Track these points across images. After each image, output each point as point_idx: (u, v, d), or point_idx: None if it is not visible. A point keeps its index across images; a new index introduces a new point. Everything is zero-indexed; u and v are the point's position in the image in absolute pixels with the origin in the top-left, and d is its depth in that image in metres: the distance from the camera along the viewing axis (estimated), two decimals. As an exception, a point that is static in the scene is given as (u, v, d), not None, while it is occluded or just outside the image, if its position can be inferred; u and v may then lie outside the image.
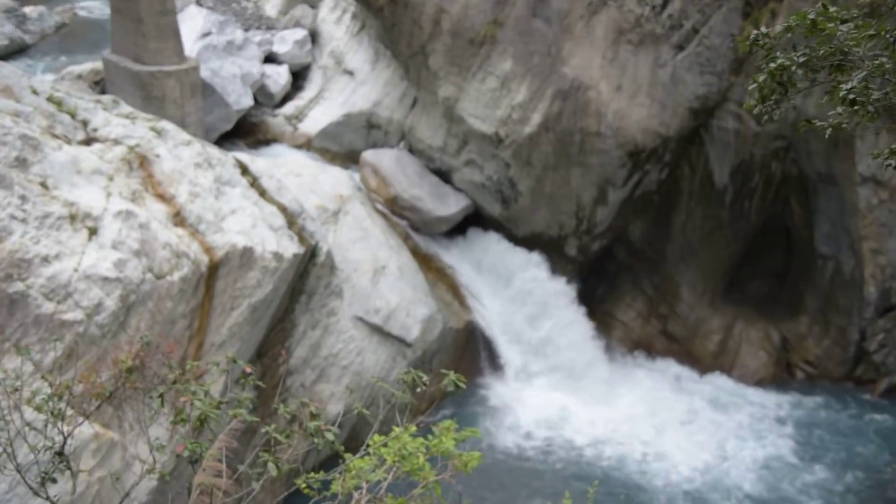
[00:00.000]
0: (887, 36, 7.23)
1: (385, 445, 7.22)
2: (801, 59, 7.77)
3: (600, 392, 25.03)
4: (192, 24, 30.15)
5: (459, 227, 27.06)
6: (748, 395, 25.57)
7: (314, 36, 33.00)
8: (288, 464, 6.76)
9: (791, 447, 23.45)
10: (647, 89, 23.87)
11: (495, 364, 25.68)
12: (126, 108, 19.38)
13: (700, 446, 23.27)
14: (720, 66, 23.56)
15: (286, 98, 31.54)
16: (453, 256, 26.87)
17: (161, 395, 7.09)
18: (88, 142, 17.32)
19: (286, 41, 32.09)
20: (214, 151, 19.46)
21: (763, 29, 8.03)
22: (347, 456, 7.27)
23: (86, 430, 12.61)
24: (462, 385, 7.09)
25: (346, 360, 21.61)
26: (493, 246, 26.84)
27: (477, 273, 26.61)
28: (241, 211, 18.39)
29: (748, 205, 25.46)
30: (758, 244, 26.47)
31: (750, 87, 8.25)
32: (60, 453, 7.24)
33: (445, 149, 26.56)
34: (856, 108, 7.44)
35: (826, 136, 8.18)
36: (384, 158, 26.96)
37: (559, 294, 26.48)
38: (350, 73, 30.83)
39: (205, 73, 28.10)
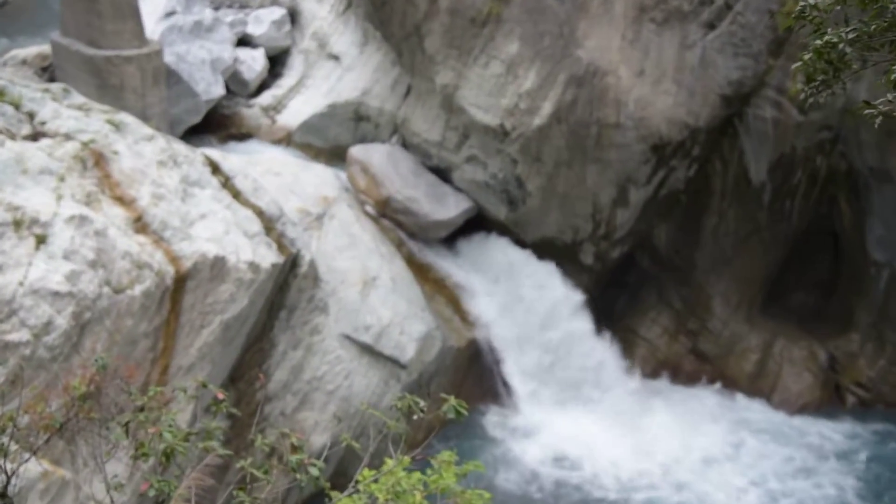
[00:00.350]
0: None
1: (376, 481, 7.19)
2: (852, 36, 7.72)
3: (624, 422, 24.95)
4: (155, 2, 30.14)
5: (460, 232, 27.05)
6: (794, 424, 25.45)
7: (294, 15, 33.03)
8: (266, 503, 6.72)
9: (850, 486, 23.25)
10: (673, 74, 23.87)
11: (502, 388, 25.62)
12: (79, 99, 19.36)
13: (746, 488, 23.05)
14: (757, 47, 23.57)
15: (262, 86, 31.52)
16: (454, 266, 26.84)
17: (126, 425, 7.06)
18: (35, 137, 17.29)
19: (262, 21, 32.12)
20: (181, 148, 19.45)
21: (811, 0, 7.98)
22: (334, 494, 7.25)
23: (33, 467, 12.50)
24: (464, 413, 7.06)
25: (332, 385, 21.56)
26: (501, 255, 26.76)
27: (481, 284, 26.56)
28: (212, 215, 18.35)
29: (789, 205, 25.44)
30: (801, 250, 26.45)
31: (794, 67, 8.18)
32: (3, 495, 7.18)
33: (444, 143, 26.56)
34: (910, 93, 7.39)
35: (876, 126, 8.11)
36: (374, 155, 26.95)
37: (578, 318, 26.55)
38: (335, 57, 30.84)
39: (169, 57, 28.09)
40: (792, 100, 23.15)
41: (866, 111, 8.06)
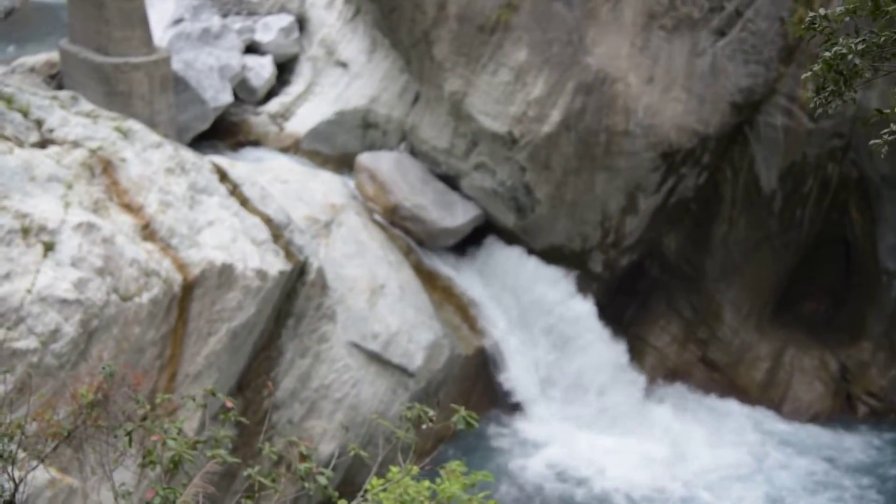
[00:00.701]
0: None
1: (385, 490, 7.19)
2: (862, 47, 7.71)
3: (635, 435, 24.77)
4: (163, 10, 30.28)
5: (468, 241, 27.05)
6: (809, 435, 25.22)
7: (302, 22, 33.11)
8: (274, 512, 6.72)
9: (873, 499, 22.86)
10: (683, 81, 23.86)
11: (510, 397, 25.56)
12: (87, 106, 19.42)
13: None
14: (767, 54, 23.54)
15: (270, 94, 31.61)
16: (462, 274, 26.81)
17: (130, 433, 7.04)
18: (43, 144, 17.36)
19: (270, 28, 32.20)
20: (189, 155, 19.48)
21: (821, 11, 8.00)
22: (342, 503, 7.22)
23: (40, 475, 12.54)
24: (474, 424, 7.03)
25: (339, 393, 21.54)
26: (513, 266, 26.66)
27: (490, 293, 26.50)
28: (220, 223, 18.37)
29: (800, 213, 25.39)
30: (812, 258, 26.38)
31: (804, 77, 8.18)
32: (11, 502, 7.19)
33: (452, 151, 26.57)
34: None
35: (882, 157, 8.08)
36: (382, 162, 26.98)
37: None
38: (343, 64, 30.91)
39: (177, 65, 28.20)
40: (803, 107, 23.13)
41: (871, 143, 8.04)
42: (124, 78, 25.53)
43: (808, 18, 8.03)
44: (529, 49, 24.18)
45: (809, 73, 8.04)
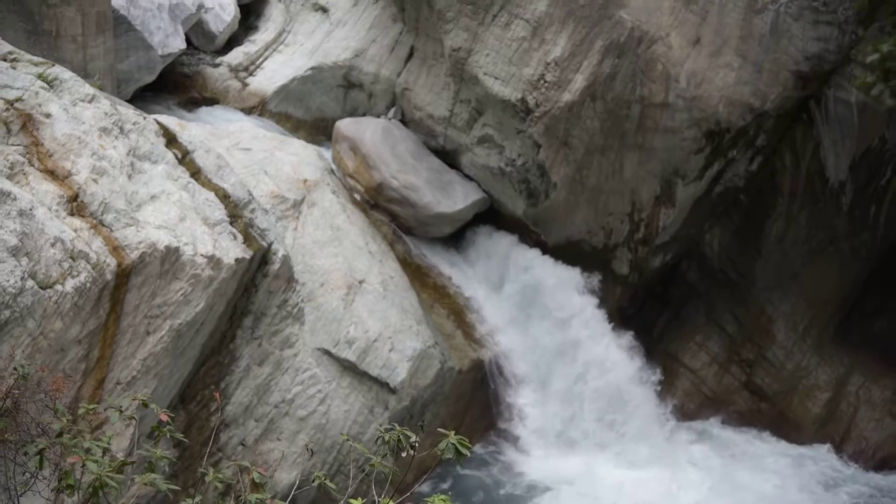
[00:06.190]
0: None
1: (354, 531, 7.17)
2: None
3: (661, 476, 24.64)
4: (104, -65, 30.17)
5: (468, 230, 27.00)
6: (875, 486, 25.03)
7: (273, -44, 33.07)
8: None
9: None
10: (737, 44, 23.83)
11: (513, 422, 25.57)
12: (5, 47, 19.28)
13: None
14: (843, 14, 23.49)
15: (232, 41, 31.58)
16: (458, 270, 26.80)
17: (40, 452, 6.98)
18: (-48, 93, 17.24)
19: (234, -38, 32.19)
20: (129, 112, 19.35)
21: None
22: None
23: (-67, 497, 12.46)
24: (466, 453, 7.01)
25: (304, 410, 21.53)
26: (521, 262, 26.62)
27: (491, 294, 26.52)
28: (165, 197, 18.27)
29: (875, 210, 25.37)
30: (888, 265, 26.37)
31: (869, 60, 8.19)
32: None
33: (452, 120, 26.54)
34: None
35: None
36: (367, 131, 26.94)
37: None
38: (323, 8, 30.86)
39: (118, 0, 28.09)
40: (867, 90, 23.13)
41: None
42: (51, 14, 25.36)
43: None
44: (551, -2, 24.18)
45: (876, 57, 8.01)
